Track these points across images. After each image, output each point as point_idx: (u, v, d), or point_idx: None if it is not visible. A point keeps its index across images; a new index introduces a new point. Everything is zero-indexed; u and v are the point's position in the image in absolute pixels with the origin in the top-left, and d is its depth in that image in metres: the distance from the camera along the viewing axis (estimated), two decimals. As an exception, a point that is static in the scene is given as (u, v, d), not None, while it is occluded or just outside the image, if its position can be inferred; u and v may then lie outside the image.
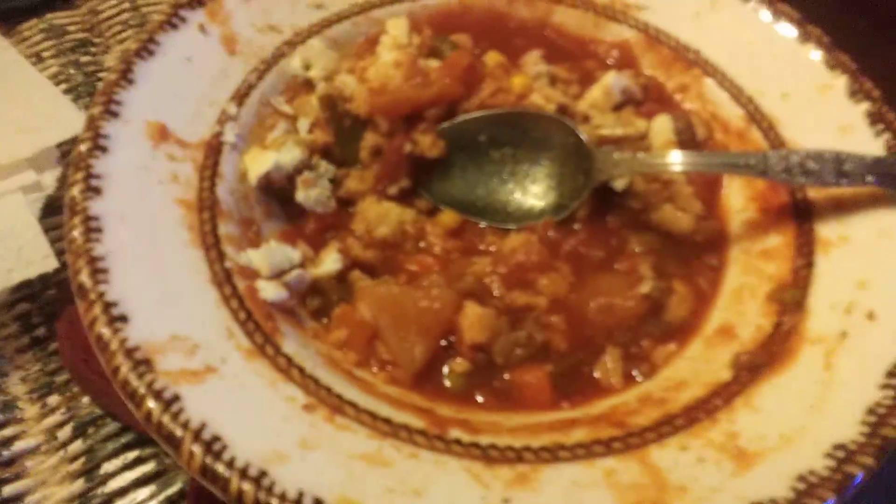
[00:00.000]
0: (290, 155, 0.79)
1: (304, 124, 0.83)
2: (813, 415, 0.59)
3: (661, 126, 0.83)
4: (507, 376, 0.69)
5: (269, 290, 0.69)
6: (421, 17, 0.94)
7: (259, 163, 0.78)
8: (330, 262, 0.75)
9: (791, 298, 0.70)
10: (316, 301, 0.73)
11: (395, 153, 0.77)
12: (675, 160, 0.75)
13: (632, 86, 0.87)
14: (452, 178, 0.81)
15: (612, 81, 0.85)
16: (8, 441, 0.79)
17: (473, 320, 0.69)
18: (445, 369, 0.69)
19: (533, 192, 0.81)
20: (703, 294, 0.75)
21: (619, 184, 0.78)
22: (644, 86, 0.88)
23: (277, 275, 0.71)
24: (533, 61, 0.89)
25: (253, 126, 0.82)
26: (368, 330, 0.69)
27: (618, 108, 0.86)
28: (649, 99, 0.88)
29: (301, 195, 0.79)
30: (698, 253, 0.78)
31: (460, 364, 0.69)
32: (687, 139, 0.83)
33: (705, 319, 0.73)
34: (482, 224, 0.79)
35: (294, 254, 0.73)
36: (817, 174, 0.70)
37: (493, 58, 0.88)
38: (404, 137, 0.77)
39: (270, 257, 0.71)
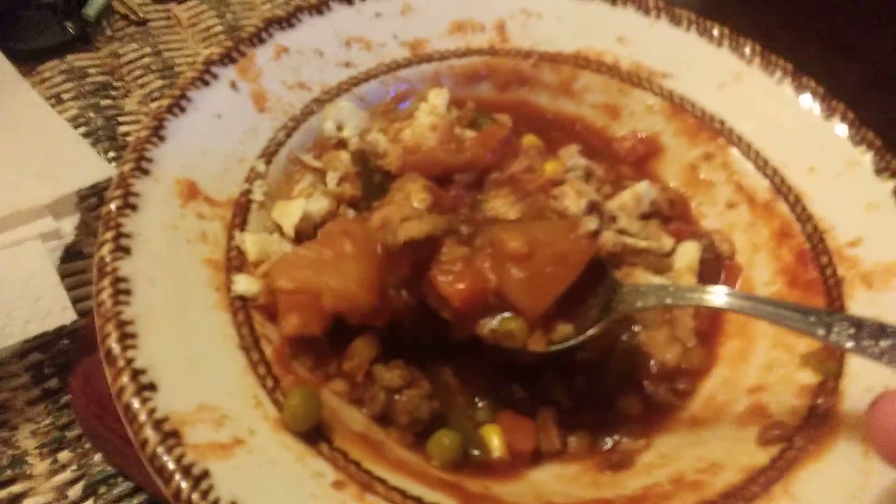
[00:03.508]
0: (318, 204, 0.79)
1: (332, 178, 0.83)
2: (853, 506, 0.58)
3: (689, 251, 0.83)
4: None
5: (242, 284, 0.70)
6: (448, 78, 0.95)
7: (289, 214, 0.78)
8: None
9: (829, 371, 0.69)
10: None
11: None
12: (715, 298, 0.64)
13: (661, 199, 0.87)
14: None
15: (643, 190, 0.85)
16: (16, 499, 0.76)
17: None
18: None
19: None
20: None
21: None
22: (670, 201, 0.88)
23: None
24: (570, 154, 0.89)
25: (280, 183, 0.82)
26: (308, 294, 0.65)
27: (644, 217, 0.86)
28: (675, 216, 0.88)
29: None
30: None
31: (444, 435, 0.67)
32: (710, 262, 0.83)
33: (734, 397, 0.72)
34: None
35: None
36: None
37: (530, 139, 0.90)
38: None
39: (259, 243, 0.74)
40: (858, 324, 0.57)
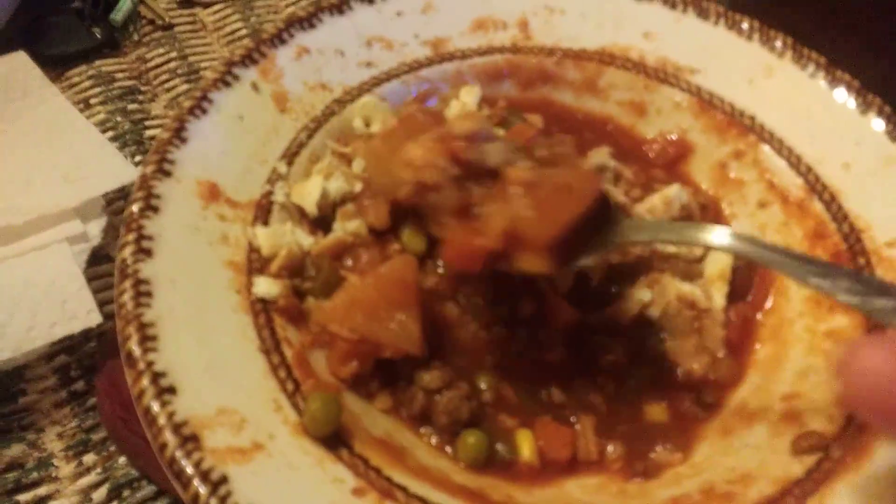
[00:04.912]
0: (336, 184, 0.78)
1: (359, 164, 0.82)
2: (893, 521, 0.56)
3: (720, 258, 0.79)
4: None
5: (262, 286, 0.69)
6: (471, 77, 0.94)
7: (308, 192, 0.77)
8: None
9: None
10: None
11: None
12: (715, 237, 0.64)
13: (692, 203, 0.84)
14: None
15: (673, 193, 0.83)
16: (41, 501, 0.77)
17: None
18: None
19: None
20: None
21: (655, 311, 0.76)
22: (702, 205, 0.85)
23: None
24: (600, 156, 0.87)
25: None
26: (360, 344, 0.65)
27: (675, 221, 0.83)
28: (707, 220, 0.85)
29: (338, 226, 0.77)
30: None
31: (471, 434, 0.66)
32: (742, 269, 0.80)
33: (767, 405, 0.69)
34: None
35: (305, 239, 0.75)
36: None
37: None
38: None
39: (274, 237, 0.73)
40: (866, 281, 0.56)
